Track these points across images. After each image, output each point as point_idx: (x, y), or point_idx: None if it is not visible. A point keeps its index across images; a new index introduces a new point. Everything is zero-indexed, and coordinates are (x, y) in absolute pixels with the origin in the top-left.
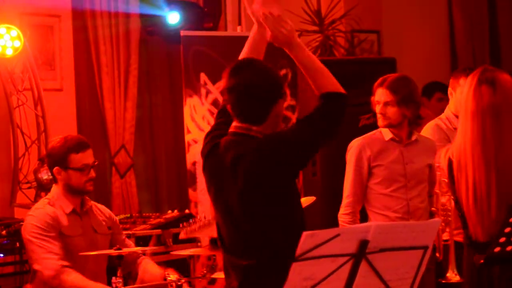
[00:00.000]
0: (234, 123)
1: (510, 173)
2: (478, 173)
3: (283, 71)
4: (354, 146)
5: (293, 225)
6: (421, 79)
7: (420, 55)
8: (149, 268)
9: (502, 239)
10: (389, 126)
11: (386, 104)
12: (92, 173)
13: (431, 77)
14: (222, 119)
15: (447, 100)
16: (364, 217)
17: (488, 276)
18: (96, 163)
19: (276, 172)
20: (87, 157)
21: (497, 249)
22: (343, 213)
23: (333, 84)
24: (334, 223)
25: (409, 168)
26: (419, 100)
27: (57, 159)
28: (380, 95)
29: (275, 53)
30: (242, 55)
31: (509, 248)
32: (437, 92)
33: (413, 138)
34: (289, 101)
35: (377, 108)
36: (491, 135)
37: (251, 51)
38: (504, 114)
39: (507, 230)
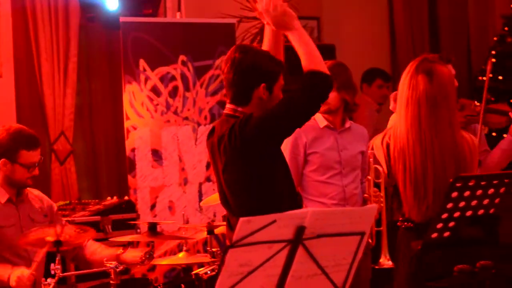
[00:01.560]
0: (227, 104)
1: (445, 160)
2: (414, 159)
3: (222, 58)
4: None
5: (278, 201)
6: (360, 66)
7: (359, 42)
8: (97, 250)
9: (440, 225)
10: (328, 111)
11: None
12: (36, 171)
13: (371, 64)
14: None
15: (388, 87)
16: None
17: (426, 262)
18: (41, 161)
19: (251, 149)
20: (36, 155)
21: (435, 235)
22: None
23: (320, 65)
24: None
25: (344, 155)
26: (355, 86)
27: (5, 150)
28: None
29: (213, 39)
30: (263, 48)
31: (446, 233)
32: (378, 78)
33: (347, 125)
34: None
35: None
36: (426, 124)
37: (271, 43)
38: (439, 105)
39: (444, 216)
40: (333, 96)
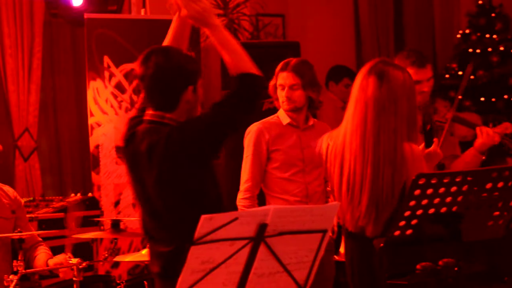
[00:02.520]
0: (150, 111)
1: (385, 170)
2: (354, 164)
3: None
4: (252, 130)
5: (211, 210)
6: (325, 63)
7: (324, 40)
8: (41, 258)
9: (402, 223)
10: (293, 109)
11: (291, 87)
12: None
13: (335, 62)
14: (143, 105)
15: None
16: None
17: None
18: (1, 149)
19: (189, 159)
20: None
21: (397, 232)
22: (242, 197)
23: (250, 66)
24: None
25: (307, 152)
26: (320, 84)
27: None
28: (285, 78)
29: None
30: (165, 42)
31: (409, 231)
32: (346, 78)
33: (310, 123)
34: None
35: (281, 92)
36: (371, 129)
37: (174, 37)
38: (386, 110)
39: (407, 213)
40: (299, 94)
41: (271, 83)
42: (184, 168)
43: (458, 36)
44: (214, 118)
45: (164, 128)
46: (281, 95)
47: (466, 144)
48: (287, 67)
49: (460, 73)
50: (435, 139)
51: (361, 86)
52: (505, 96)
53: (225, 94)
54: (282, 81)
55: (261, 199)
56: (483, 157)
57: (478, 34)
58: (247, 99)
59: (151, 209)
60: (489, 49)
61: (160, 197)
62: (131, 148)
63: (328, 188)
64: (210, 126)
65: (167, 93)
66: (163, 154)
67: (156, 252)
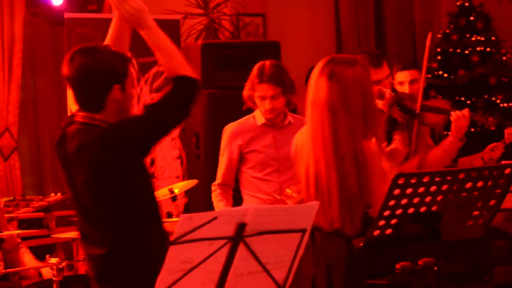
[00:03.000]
0: (80, 112)
1: (348, 171)
2: (318, 168)
3: None
4: (226, 132)
5: (143, 212)
6: (305, 63)
7: (305, 39)
8: (25, 260)
9: (382, 222)
10: (277, 117)
11: (272, 97)
12: None
13: (316, 62)
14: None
15: None
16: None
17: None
18: None
19: (119, 160)
20: None
21: (377, 232)
22: (213, 190)
23: (185, 68)
24: None
25: (282, 152)
26: (293, 81)
27: None
28: (265, 90)
29: None
30: (106, 41)
31: (388, 231)
32: None
33: (286, 121)
34: None
35: (262, 102)
36: (328, 132)
37: (114, 37)
38: (338, 111)
39: (386, 213)
40: (281, 101)
41: (246, 93)
42: (114, 169)
43: (439, 36)
44: (146, 120)
45: (94, 129)
46: (263, 105)
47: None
48: (263, 77)
49: (440, 72)
50: (395, 136)
51: (314, 88)
52: (486, 96)
53: (160, 96)
54: (263, 93)
55: (238, 197)
56: (462, 143)
57: (459, 34)
58: (181, 102)
59: (83, 210)
60: (470, 49)
61: (91, 198)
62: (62, 149)
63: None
64: (142, 128)
65: (92, 92)
66: (93, 155)
67: (90, 255)
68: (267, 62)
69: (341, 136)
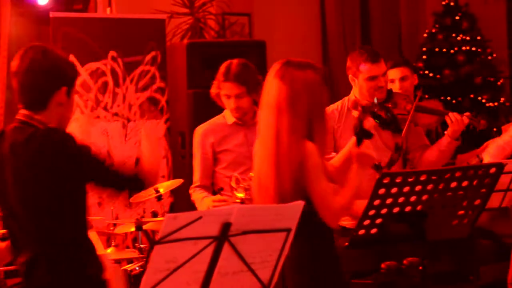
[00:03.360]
0: (22, 110)
1: (285, 170)
2: (261, 165)
3: (152, 53)
4: (197, 133)
5: (73, 216)
6: None
7: (291, 39)
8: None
9: (367, 222)
10: (243, 116)
11: (238, 96)
12: None
13: None
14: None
15: None
16: None
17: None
18: None
19: (49, 170)
20: None
21: (362, 231)
22: (194, 186)
23: (153, 172)
24: None
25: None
26: (261, 81)
27: None
28: (230, 89)
29: (143, 35)
30: None
31: (373, 230)
32: None
33: (257, 119)
34: (158, 83)
35: (228, 101)
36: (273, 131)
37: None
38: (283, 111)
39: (371, 212)
40: (245, 100)
41: (213, 91)
42: (43, 175)
43: (425, 35)
44: (99, 167)
45: (30, 129)
46: (229, 104)
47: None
48: (228, 76)
49: (426, 72)
50: (365, 140)
51: (266, 89)
52: (471, 95)
53: (118, 166)
54: (227, 92)
55: None
56: (458, 142)
57: (444, 33)
58: (123, 187)
59: (11, 212)
60: (455, 49)
61: (20, 201)
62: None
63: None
64: (87, 165)
65: (38, 89)
66: (24, 156)
67: (18, 259)
68: (234, 61)
69: (283, 135)
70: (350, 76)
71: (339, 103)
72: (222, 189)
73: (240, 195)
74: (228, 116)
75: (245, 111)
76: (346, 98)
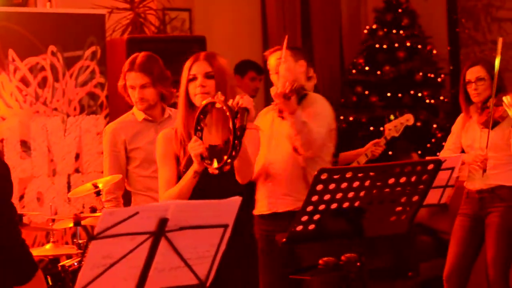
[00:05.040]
0: None
1: None
2: None
3: (92, 48)
4: (107, 131)
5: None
6: (232, 58)
7: (231, 34)
8: None
9: (305, 218)
10: (148, 107)
11: (142, 87)
12: None
13: (242, 56)
14: None
15: (260, 79)
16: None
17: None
18: None
19: None
20: None
21: (300, 227)
22: (105, 200)
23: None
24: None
25: None
26: (168, 75)
27: None
28: (134, 79)
29: (83, 30)
30: None
31: (311, 226)
32: (250, 71)
33: (166, 115)
34: (98, 78)
35: (133, 92)
36: None
37: None
38: None
39: (309, 208)
40: (150, 91)
41: (120, 83)
42: None
43: (365, 31)
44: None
45: None
46: (133, 95)
47: None
48: (133, 66)
49: (367, 68)
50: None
51: None
52: (411, 92)
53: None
54: (132, 82)
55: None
56: None
57: (385, 29)
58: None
59: None
60: (396, 45)
61: None
62: None
63: None
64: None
65: None
66: None
67: None
68: (142, 53)
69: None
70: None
71: None
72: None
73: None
74: (137, 113)
75: (150, 103)
76: None
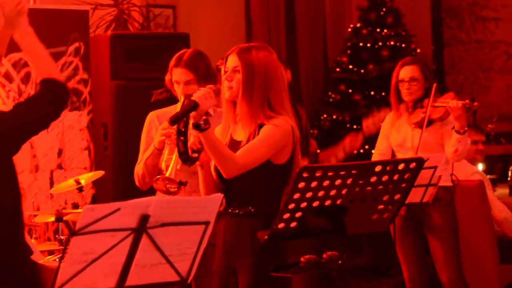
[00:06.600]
0: None
1: None
2: None
3: (75, 45)
4: (147, 118)
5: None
6: (215, 56)
7: (215, 32)
8: None
9: (287, 215)
10: None
11: (187, 83)
12: None
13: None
14: None
15: None
16: None
17: None
18: None
19: None
20: None
21: (282, 225)
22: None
23: (54, 72)
24: (126, 196)
25: None
26: (215, 73)
27: None
28: (179, 75)
29: (66, 26)
30: None
31: (293, 224)
32: None
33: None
34: (81, 74)
35: (178, 88)
36: None
37: None
38: None
39: (291, 206)
40: (194, 88)
41: (167, 77)
42: None
43: (349, 30)
44: (14, 118)
45: None
46: (178, 90)
47: None
48: (179, 62)
49: (350, 66)
50: None
51: None
52: None
53: (29, 97)
54: (177, 78)
55: None
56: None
57: (369, 28)
58: (50, 103)
59: None
60: (380, 43)
61: None
62: None
63: None
64: (11, 127)
65: None
66: None
67: None
68: (190, 50)
69: None
70: None
71: None
72: (186, 183)
73: None
74: (179, 106)
75: None
76: None
